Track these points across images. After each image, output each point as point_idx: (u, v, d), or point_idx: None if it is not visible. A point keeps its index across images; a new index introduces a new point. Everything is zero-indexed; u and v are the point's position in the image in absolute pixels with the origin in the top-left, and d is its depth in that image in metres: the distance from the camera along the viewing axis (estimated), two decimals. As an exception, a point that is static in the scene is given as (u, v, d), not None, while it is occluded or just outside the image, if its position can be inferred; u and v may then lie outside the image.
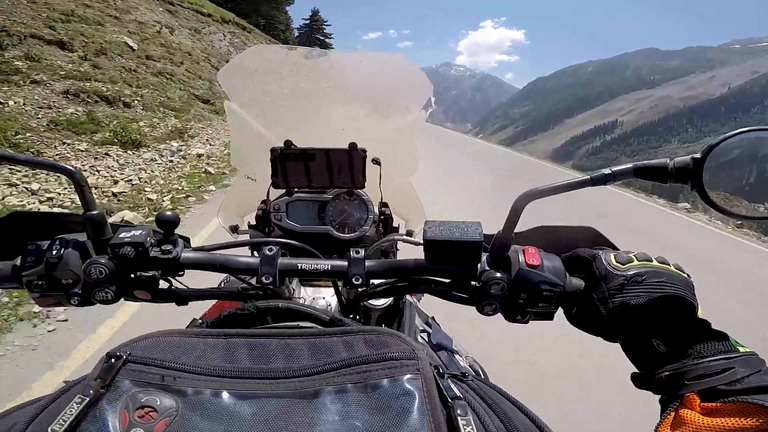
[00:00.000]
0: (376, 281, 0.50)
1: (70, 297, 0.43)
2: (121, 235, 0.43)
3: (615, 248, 0.46)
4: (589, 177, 0.40)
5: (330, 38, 44.81)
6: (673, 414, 0.33)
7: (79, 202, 0.45)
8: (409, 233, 0.90)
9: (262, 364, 0.32)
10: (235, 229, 0.89)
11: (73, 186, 0.44)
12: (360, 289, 0.51)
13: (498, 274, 0.43)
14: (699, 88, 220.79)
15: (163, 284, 0.47)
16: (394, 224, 0.87)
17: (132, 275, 0.44)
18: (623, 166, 0.40)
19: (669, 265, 0.41)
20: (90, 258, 0.43)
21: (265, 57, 0.89)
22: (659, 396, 0.37)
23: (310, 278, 0.48)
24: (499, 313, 0.45)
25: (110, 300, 0.43)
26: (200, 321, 0.56)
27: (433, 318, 0.83)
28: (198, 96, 9.30)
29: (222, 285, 0.78)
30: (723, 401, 0.31)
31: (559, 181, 0.41)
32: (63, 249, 0.43)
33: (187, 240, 0.47)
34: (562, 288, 0.43)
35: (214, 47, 14.70)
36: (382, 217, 0.84)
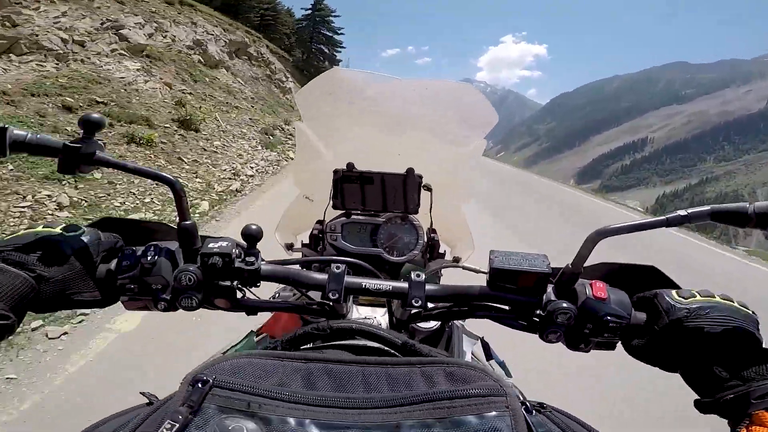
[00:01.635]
0: (432, 305, 0.52)
1: (158, 302, 0.45)
2: (210, 246, 0.45)
3: (678, 287, 0.47)
4: (665, 218, 0.41)
5: (340, 33, 31.60)
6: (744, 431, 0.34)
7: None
8: (456, 260, 0.93)
9: (342, 392, 0.32)
10: (290, 247, 0.95)
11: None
12: (414, 311, 0.52)
13: (565, 305, 0.44)
14: (736, 102, 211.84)
15: (238, 293, 0.50)
16: (441, 250, 0.90)
17: (214, 284, 0.47)
18: (700, 209, 0.41)
19: (733, 301, 0.42)
20: (179, 266, 0.46)
21: (340, 80, 0.92)
22: (727, 420, 0.38)
23: (369, 296, 0.51)
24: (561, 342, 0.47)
25: (194, 307, 0.45)
26: (263, 335, 0.56)
27: (482, 338, 0.81)
28: None
29: (276, 296, 0.82)
30: None
31: (633, 221, 0.42)
32: (156, 255, 0.45)
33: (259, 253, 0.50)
34: (628, 320, 0.44)
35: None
36: (430, 242, 0.87)
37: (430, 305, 0.50)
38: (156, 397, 0.41)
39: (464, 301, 0.50)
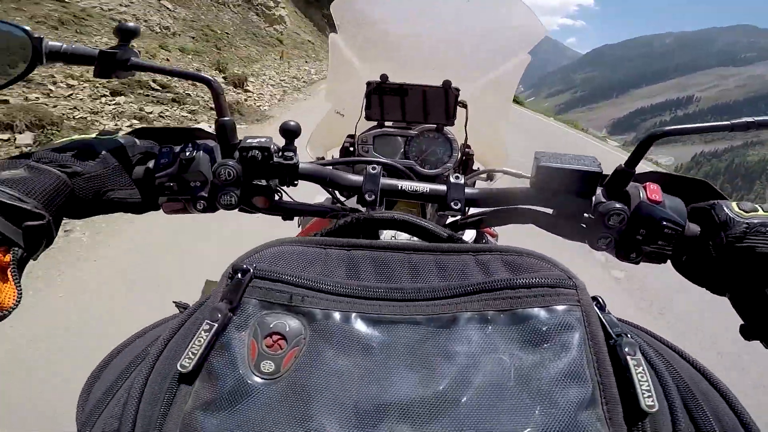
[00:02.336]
0: (470, 212, 0.49)
1: (196, 201, 0.45)
2: (249, 140, 0.45)
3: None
4: (729, 123, 0.39)
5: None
6: None
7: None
8: (490, 177, 0.87)
9: (388, 282, 0.29)
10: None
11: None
12: (451, 219, 0.48)
13: (618, 205, 0.41)
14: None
15: (276, 196, 0.50)
16: (474, 167, 0.87)
17: (252, 183, 0.47)
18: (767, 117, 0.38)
19: None
20: (219, 161, 0.45)
21: None
22: None
23: (405, 199, 0.48)
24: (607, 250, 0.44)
25: (233, 205, 0.45)
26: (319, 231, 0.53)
27: None
28: None
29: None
30: None
31: (696, 123, 0.39)
32: (195, 151, 0.45)
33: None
34: (683, 229, 0.40)
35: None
36: (464, 157, 0.83)
37: (468, 213, 0.49)
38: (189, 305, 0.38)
39: (506, 204, 0.47)
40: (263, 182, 0.47)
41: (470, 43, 0.87)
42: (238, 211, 0.48)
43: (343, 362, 0.24)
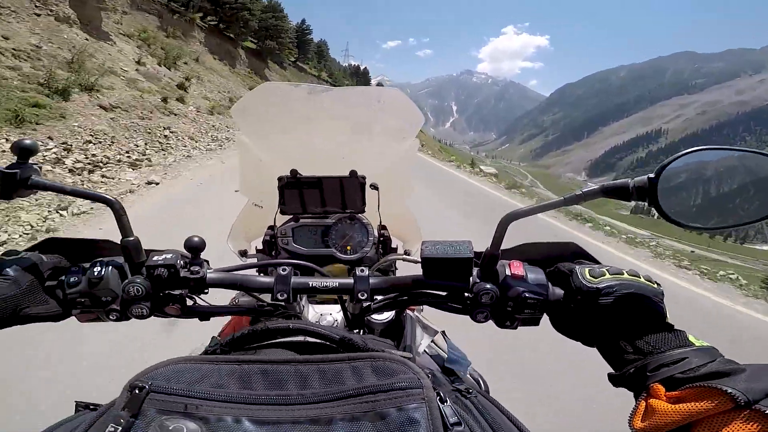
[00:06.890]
0: (380, 297, 0.55)
1: (108, 312, 0.48)
2: (155, 258, 0.48)
3: (595, 261, 0.50)
4: (562, 198, 0.45)
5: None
6: (643, 404, 0.36)
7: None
8: (407, 252, 0.95)
9: (277, 390, 0.33)
10: (244, 254, 0.95)
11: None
12: (365, 305, 0.55)
13: (488, 286, 0.47)
14: (750, 92, 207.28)
15: (189, 301, 0.52)
16: (393, 245, 0.94)
17: (163, 293, 0.49)
18: (592, 188, 0.45)
19: (639, 277, 0.44)
20: (127, 278, 0.48)
21: (274, 93, 0.96)
22: (633, 393, 0.40)
23: (319, 295, 0.53)
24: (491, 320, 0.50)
25: (145, 315, 0.48)
26: (219, 339, 0.58)
27: (443, 332, 0.83)
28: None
29: (236, 301, 0.80)
30: (683, 388, 0.34)
31: (538, 203, 0.46)
32: (103, 269, 0.47)
33: (206, 262, 0.51)
34: (545, 296, 0.47)
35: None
36: (381, 238, 0.91)
37: (379, 298, 0.55)
38: (92, 404, 0.43)
39: (405, 290, 0.53)
40: (175, 293, 0.50)
41: (365, 133, 0.97)
42: (155, 317, 0.49)
43: None
